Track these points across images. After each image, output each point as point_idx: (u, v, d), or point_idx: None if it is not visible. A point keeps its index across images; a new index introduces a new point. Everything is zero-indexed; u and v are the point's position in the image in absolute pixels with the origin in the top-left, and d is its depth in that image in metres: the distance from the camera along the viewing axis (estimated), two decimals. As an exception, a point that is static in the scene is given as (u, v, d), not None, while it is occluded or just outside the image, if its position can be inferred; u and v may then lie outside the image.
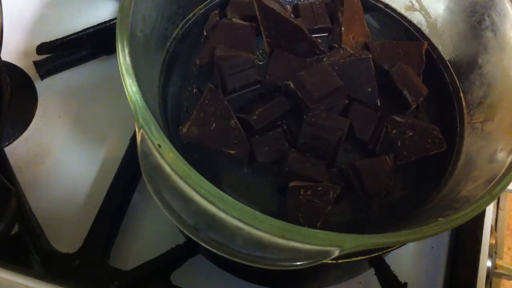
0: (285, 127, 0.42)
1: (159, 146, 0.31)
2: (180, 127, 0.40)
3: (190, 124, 0.39)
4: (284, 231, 0.29)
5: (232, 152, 0.39)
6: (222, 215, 0.29)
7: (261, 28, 0.44)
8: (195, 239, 0.32)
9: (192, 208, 0.30)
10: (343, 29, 0.46)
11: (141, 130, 0.32)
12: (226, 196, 0.30)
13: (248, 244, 0.30)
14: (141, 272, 0.46)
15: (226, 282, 0.48)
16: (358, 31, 0.47)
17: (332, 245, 0.30)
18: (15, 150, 0.53)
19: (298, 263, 0.31)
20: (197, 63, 0.44)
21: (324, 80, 0.41)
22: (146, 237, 0.50)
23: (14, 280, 0.44)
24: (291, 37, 0.44)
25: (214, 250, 0.31)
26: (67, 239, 0.49)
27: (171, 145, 0.31)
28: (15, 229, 0.47)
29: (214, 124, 0.39)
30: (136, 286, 0.46)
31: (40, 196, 0.51)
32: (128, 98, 0.32)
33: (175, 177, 0.30)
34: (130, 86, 0.33)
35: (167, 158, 0.30)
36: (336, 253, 0.30)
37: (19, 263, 0.46)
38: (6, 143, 0.53)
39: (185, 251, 0.47)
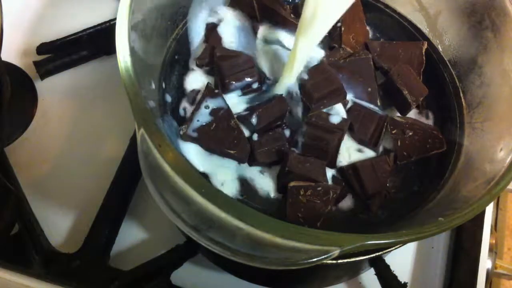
0: (285, 127, 0.42)
1: (159, 146, 0.31)
2: (180, 127, 0.40)
3: (190, 124, 0.39)
4: (284, 231, 0.29)
5: (232, 152, 0.39)
6: (222, 215, 0.29)
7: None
8: (195, 239, 0.32)
9: (192, 208, 0.30)
10: (343, 29, 0.46)
11: (141, 130, 0.32)
12: (226, 196, 0.30)
13: (248, 244, 0.30)
14: (141, 272, 0.46)
15: (226, 282, 0.48)
16: (358, 31, 0.47)
17: (332, 245, 0.30)
18: (15, 150, 0.53)
19: (298, 263, 0.31)
20: (197, 63, 0.44)
21: (324, 80, 0.41)
22: (146, 237, 0.50)
23: (14, 280, 0.44)
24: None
25: (214, 250, 0.31)
26: (67, 239, 0.49)
27: (171, 145, 0.31)
28: (15, 229, 0.47)
29: (214, 124, 0.39)
30: (136, 286, 0.46)
31: (40, 196, 0.51)
32: (128, 98, 0.32)
33: (175, 177, 0.30)
34: (130, 86, 0.33)
35: (167, 158, 0.30)
36: (336, 253, 0.30)
37: (19, 263, 0.46)
38: (6, 143, 0.53)
39: (185, 251, 0.47)
